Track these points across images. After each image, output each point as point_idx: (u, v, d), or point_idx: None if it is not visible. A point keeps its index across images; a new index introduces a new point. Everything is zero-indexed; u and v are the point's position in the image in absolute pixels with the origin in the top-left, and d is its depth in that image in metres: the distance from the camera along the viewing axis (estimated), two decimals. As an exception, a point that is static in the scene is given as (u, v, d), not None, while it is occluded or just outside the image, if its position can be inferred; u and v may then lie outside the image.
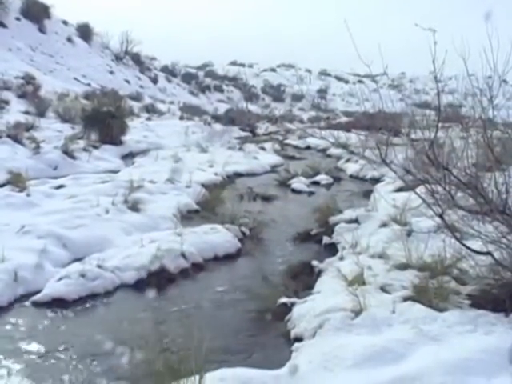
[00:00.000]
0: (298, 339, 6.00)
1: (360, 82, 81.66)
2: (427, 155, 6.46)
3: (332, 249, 9.36)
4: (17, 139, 17.73)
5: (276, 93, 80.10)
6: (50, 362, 5.65)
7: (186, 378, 3.47)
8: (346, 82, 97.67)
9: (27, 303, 7.14)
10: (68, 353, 5.86)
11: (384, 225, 9.62)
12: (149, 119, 31.40)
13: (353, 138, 11.87)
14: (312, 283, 7.61)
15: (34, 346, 5.98)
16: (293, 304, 6.81)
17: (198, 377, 3.49)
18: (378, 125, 8.41)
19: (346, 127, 24.32)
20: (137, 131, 24.40)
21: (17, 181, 12.34)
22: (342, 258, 8.37)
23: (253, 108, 46.17)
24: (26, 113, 24.81)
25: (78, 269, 7.76)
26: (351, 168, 18.85)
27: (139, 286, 7.81)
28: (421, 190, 7.23)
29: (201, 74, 76.73)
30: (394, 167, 7.07)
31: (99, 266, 7.86)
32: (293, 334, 6.18)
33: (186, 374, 3.45)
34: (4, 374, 5.38)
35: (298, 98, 72.20)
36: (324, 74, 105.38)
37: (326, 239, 9.81)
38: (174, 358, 3.47)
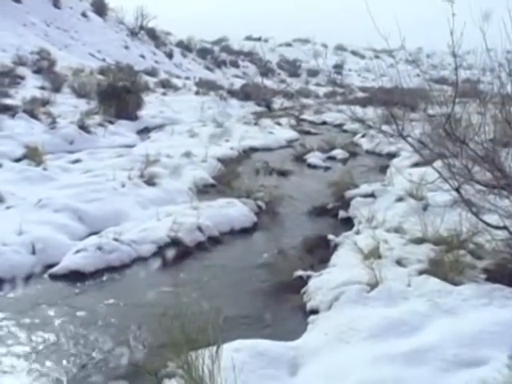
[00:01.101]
0: (314, 312, 6.03)
1: (376, 57, 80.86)
2: (444, 129, 6.42)
3: (348, 223, 9.37)
4: (33, 114, 17.83)
5: (292, 68, 79.49)
6: (67, 333, 5.71)
7: (203, 348, 3.49)
8: (363, 57, 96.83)
9: (45, 275, 7.22)
10: (85, 323, 5.92)
11: (400, 199, 9.59)
12: (164, 94, 31.36)
13: (369, 113, 11.81)
14: (328, 257, 7.64)
15: (52, 317, 6.05)
16: (308, 277, 6.83)
17: (215, 347, 3.52)
18: (394, 100, 8.36)
19: (363, 102, 24.19)
20: (152, 106, 24.41)
21: (33, 155, 12.42)
22: (358, 232, 8.39)
23: (268, 83, 45.94)
24: (42, 88, 24.88)
25: (94, 242, 7.82)
26: (367, 143, 18.76)
27: (155, 258, 7.87)
28: (437, 164, 7.22)
29: (216, 48, 76.25)
30: (411, 141, 7.04)
31: (116, 239, 7.92)
32: (308, 306, 6.21)
33: (204, 345, 3.48)
34: (21, 345, 5.46)
35: (313, 73, 71.67)
36: (340, 48, 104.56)
37: (341, 213, 9.82)
38: (191, 328, 3.49)
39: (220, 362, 3.44)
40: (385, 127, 7.98)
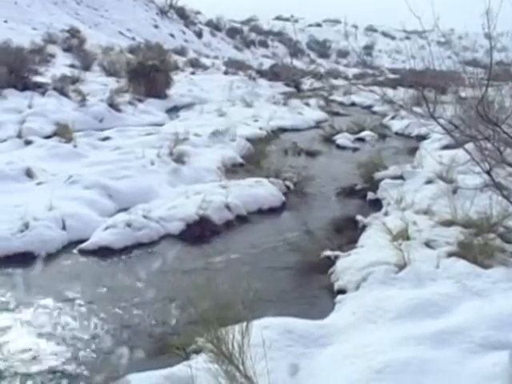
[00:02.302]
0: (342, 291, 6.05)
1: (407, 38, 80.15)
2: (477, 111, 6.35)
3: (376, 204, 9.35)
4: (63, 92, 17.98)
5: (321, 48, 79.10)
6: (95, 308, 5.78)
7: (233, 324, 3.52)
8: (393, 38, 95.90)
9: (74, 251, 7.30)
10: (113, 298, 5.99)
11: (429, 181, 9.55)
12: (193, 73, 31.38)
13: (399, 95, 11.75)
14: (356, 237, 7.63)
15: (81, 293, 6.12)
16: (336, 257, 6.84)
17: (244, 324, 3.54)
18: (425, 82, 8.28)
19: (392, 84, 24.02)
20: (181, 85, 24.44)
21: (64, 132, 12.51)
22: (386, 214, 8.36)
23: (298, 64, 45.83)
24: (72, 66, 25.05)
25: (123, 218, 7.88)
26: (396, 125, 18.63)
27: (184, 236, 7.92)
28: (469, 146, 7.16)
29: (246, 28, 76.01)
30: (443, 122, 6.98)
31: (145, 216, 7.98)
32: (336, 286, 6.22)
33: (234, 321, 3.51)
34: (50, 316, 5.55)
35: (343, 54, 71.37)
36: (370, 29, 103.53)
37: (370, 195, 9.79)
38: (220, 305, 3.52)
39: (250, 338, 3.47)
40: (416, 109, 7.93)
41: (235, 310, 3.48)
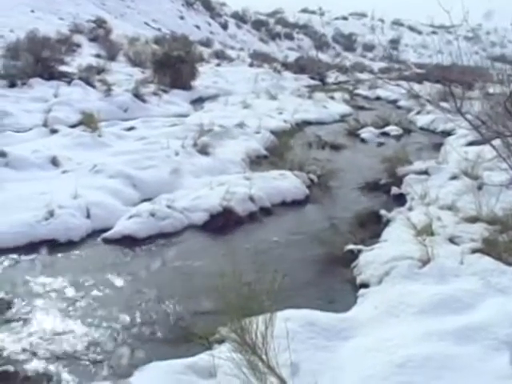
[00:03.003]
0: (364, 285, 6.04)
1: (434, 32, 79.54)
2: (505, 106, 6.29)
3: (400, 199, 9.29)
4: (88, 82, 18.12)
5: (347, 42, 78.72)
6: (118, 296, 5.83)
7: (256, 315, 3.53)
8: (419, 32, 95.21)
9: (98, 239, 7.37)
10: (137, 287, 6.03)
11: (454, 177, 9.47)
12: (218, 65, 31.43)
13: (425, 90, 11.67)
14: (379, 232, 7.60)
15: (104, 281, 6.17)
16: (359, 251, 6.83)
17: (268, 315, 3.55)
18: (451, 77, 8.21)
19: (418, 79, 23.83)
20: (206, 77, 24.49)
21: (89, 121, 12.57)
22: (410, 209, 8.31)
23: (323, 57, 45.70)
24: (97, 56, 25.20)
25: (147, 208, 7.93)
26: (422, 120, 18.50)
27: (207, 226, 7.95)
28: (495, 143, 7.10)
29: (271, 21, 75.87)
30: (470, 118, 6.92)
31: (168, 206, 8.01)
32: (359, 280, 6.21)
33: (257, 311, 3.52)
34: (74, 303, 5.60)
35: (369, 47, 71.05)
36: (397, 23, 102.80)
37: (394, 189, 9.73)
38: (245, 295, 3.52)
39: (273, 329, 3.48)
40: (442, 104, 7.87)
41: (259, 300, 3.48)
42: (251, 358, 3.42)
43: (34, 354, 4.67)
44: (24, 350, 4.73)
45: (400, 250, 6.44)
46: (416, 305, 5.08)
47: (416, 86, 12.53)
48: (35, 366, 4.52)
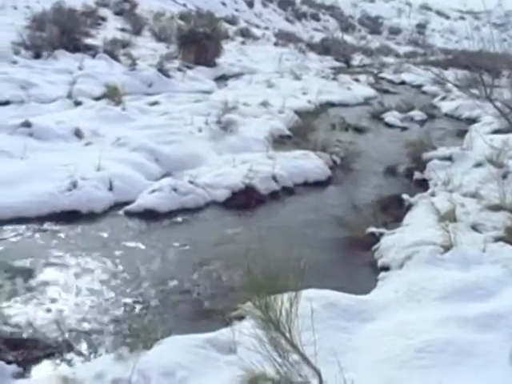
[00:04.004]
0: (385, 269, 6.03)
1: (461, 18, 78.56)
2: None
3: (422, 185, 9.23)
4: (113, 55, 18.09)
5: (373, 25, 77.80)
6: (139, 270, 5.86)
7: (280, 293, 3.53)
8: (447, 17, 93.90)
9: (120, 212, 7.40)
10: (158, 261, 6.06)
11: (479, 165, 9.37)
12: (243, 43, 31.23)
13: (451, 75, 11.53)
14: (401, 216, 7.57)
15: (126, 253, 6.21)
16: (381, 234, 6.81)
17: (294, 293, 3.55)
18: (478, 64, 8.12)
19: (444, 64, 23.60)
20: (231, 54, 24.39)
21: (113, 95, 12.57)
22: (433, 194, 8.24)
23: (348, 39, 45.22)
24: (122, 30, 25.13)
25: (170, 183, 7.94)
26: (446, 106, 18.31)
27: (229, 203, 7.97)
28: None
29: (298, 0, 75.30)
30: (498, 105, 6.86)
31: (191, 182, 8.03)
32: (380, 263, 6.20)
33: (282, 290, 3.51)
34: (94, 276, 5.63)
35: (395, 31, 70.31)
36: (425, 7, 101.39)
37: (417, 174, 9.67)
38: (270, 272, 3.51)
39: (298, 307, 3.48)
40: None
41: (284, 278, 3.47)
42: (274, 334, 3.43)
43: (54, 323, 4.70)
44: (44, 319, 4.78)
45: (422, 234, 6.42)
46: (438, 290, 5.07)
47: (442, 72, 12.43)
48: (55, 334, 4.56)
